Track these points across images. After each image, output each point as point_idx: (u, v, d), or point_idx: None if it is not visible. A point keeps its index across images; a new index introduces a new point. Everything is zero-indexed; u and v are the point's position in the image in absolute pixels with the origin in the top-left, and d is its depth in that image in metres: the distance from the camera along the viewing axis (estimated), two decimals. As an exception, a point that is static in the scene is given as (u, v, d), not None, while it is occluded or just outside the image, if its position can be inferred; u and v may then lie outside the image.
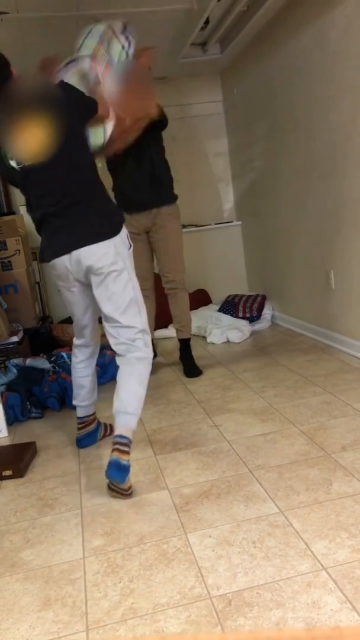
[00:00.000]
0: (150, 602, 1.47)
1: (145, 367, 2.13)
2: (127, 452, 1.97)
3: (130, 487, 2.00)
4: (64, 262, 2.06)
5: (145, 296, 3.50)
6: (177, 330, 3.47)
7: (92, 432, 2.51)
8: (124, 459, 1.95)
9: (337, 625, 1.30)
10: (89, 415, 2.47)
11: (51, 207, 2.02)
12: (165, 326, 4.35)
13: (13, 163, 2.00)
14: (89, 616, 1.45)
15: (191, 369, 3.40)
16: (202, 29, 3.88)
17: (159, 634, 1.35)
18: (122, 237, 2.07)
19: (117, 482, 1.95)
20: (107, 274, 2.02)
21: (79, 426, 2.48)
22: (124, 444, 1.96)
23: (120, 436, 1.98)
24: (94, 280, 2.05)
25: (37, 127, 1.90)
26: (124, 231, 2.08)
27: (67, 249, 2.02)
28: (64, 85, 2.03)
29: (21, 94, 1.94)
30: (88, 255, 2.00)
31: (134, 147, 2.95)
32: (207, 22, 3.80)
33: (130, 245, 2.11)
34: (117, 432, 2.00)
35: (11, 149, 1.96)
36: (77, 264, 2.03)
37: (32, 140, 1.91)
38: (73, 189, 2.01)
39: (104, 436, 2.56)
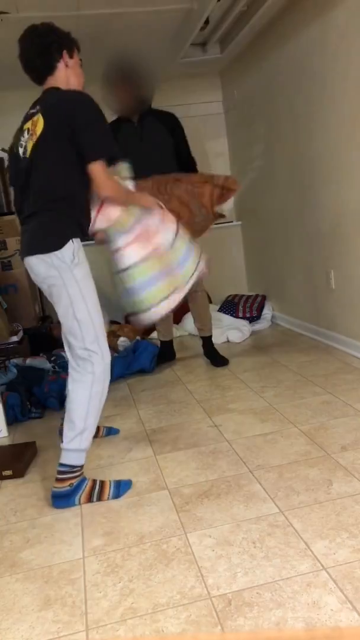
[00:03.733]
0: (150, 602, 1.47)
1: (79, 389, 2.00)
2: (63, 480, 2.03)
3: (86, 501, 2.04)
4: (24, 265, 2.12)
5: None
6: (199, 329, 3.64)
7: None
8: (59, 487, 2.04)
9: (337, 625, 1.30)
10: None
11: (23, 210, 2.07)
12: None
13: (21, 150, 2.03)
14: (89, 616, 1.45)
15: (218, 360, 3.54)
16: (202, 29, 3.88)
17: (158, 634, 1.35)
18: (61, 256, 1.94)
19: (62, 508, 2.03)
20: (47, 286, 2.01)
21: None
22: (59, 472, 2.04)
23: (59, 464, 2.05)
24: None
25: (36, 129, 1.96)
26: (67, 249, 1.95)
27: (22, 255, 2.08)
28: (72, 104, 1.96)
29: (45, 95, 2.03)
30: (28, 265, 2.03)
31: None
32: (207, 22, 3.79)
33: (78, 264, 1.97)
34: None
35: (19, 139, 2.05)
36: (29, 270, 2.08)
37: (30, 139, 1.97)
38: (36, 198, 1.99)
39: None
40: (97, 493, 2.04)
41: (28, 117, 2.02)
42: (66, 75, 2.05)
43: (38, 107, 1.98)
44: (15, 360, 3.43)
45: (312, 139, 3.49)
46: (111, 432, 2.66)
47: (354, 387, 2.81)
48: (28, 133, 1.98)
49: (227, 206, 3.12)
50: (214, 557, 1.61)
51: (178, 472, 2.16)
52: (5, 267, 4.03)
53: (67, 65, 2.05)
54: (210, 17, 3.69)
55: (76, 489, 2.03)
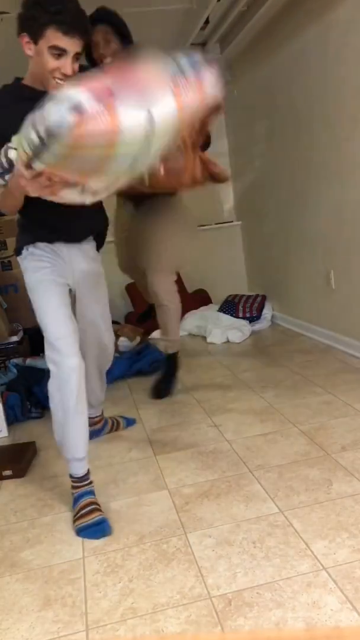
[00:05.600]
0: (150, 602, 1.47)
1: (53, 398, 1.97)
2: None
3: None
4: None
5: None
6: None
7: (95, 432, 2.51)
8: None
9: (337, 625, 1.30)
10: (93, 417, 2.46)
11: None
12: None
13: None
14: (89, 616, 1.45)
15: (159, 389, 3.11)
16: (202, 29, 3.88)
17: (158, 634, 1.35)
18: (20, 259, 2.04)
19: None
20: None
21: None
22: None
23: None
24: None
25: None
26: (23, 256, 2.02)
27: None
28: None
29: None
30: None
31: None
32: (207, 22, 3.80)
33: (26, 270, 2.01)
34: None
35: None
36: None
37: None
38: None
39: (111, 431, 2.64)
40: None
41: None
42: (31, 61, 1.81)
43: None
44: (15, 360, 3.43)
45: (313, 139, 3.49)
46: (130, 423, 2.73)
47: (354, 387, 2.81)
48: None
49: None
50: (214, 557, 1.61)
51: (178, 472, 2.16)
52: (5, 267, 4.03)
53: (30, 53, 1.79)
54: (210, 17, 3.70)
55: None
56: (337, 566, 1.50)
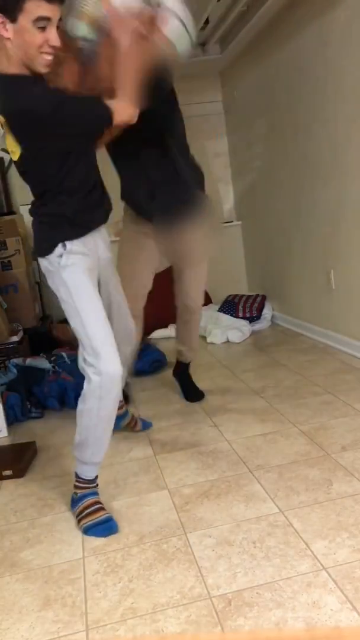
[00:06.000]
0: (150, 602, 1.47)
1: (87, 403, 1.81)
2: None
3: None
4: None
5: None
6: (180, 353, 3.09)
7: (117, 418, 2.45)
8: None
9: (337, 625, 1.30)
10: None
11: None
12: (166, 326, 4.35)
13: None
14: (89, 616, 1.45)
15: (192, 394, 3.03)
16: (202, 29, 3.88)
17: (158, 634, 1.35)
18: (50, 261, 1.84)
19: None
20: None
21: None
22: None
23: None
24: None
25: None
26: (56, 253, 1.83)
27: None
28: None
29: None
30: None
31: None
32: (207, 22, 3.80)
33: (64, 268, 1.83)
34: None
35: None
36: None
37: None
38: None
39: (129, 426, 2.55)
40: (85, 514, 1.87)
41: None
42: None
43: None
44: (15, 360, 3.43)
45: (312, 139, 3.49)
46: (145, 425, 2.64)
47: (354, 387, 2.81)
48: None
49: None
50: (214, 557, 1.61)
51: (178, 472, 2.16)
52: (5, 267, 4.03)
53: (6, 35, 1.63)
54: (210, 17, 3.69)
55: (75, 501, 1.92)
56: (337, 566, 1.50)
